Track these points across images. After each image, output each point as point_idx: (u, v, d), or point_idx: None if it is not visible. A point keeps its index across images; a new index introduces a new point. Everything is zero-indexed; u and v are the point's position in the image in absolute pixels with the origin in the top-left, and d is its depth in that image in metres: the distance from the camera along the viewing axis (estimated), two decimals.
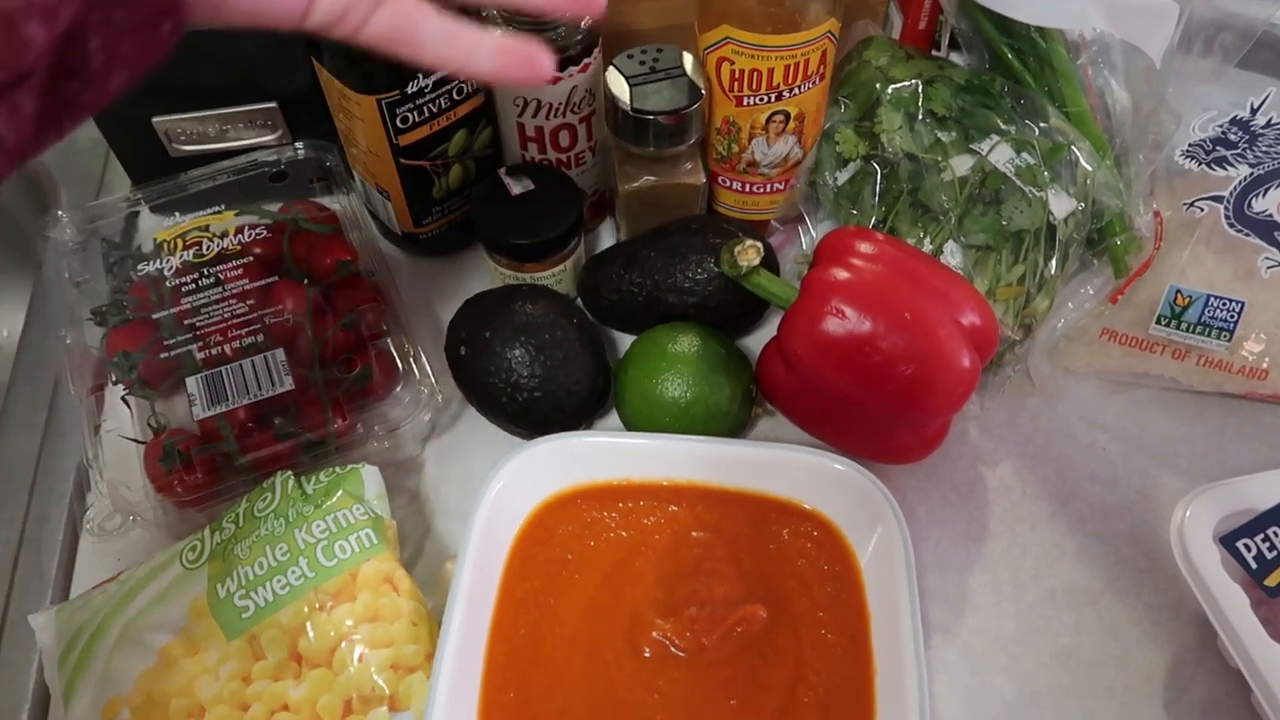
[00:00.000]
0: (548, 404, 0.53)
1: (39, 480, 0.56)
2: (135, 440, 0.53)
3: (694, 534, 0.49)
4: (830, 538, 0.49)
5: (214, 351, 0.54)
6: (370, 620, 0.44)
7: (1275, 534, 0.46)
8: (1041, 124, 0.58)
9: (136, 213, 0.64)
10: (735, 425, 0.54)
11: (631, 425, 0.54)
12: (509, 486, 0.48)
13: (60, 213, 0.60)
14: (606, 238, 0.67)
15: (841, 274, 0.49)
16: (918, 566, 0.50)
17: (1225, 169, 0.54)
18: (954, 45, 0.69)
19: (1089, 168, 0.56)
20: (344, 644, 0.44)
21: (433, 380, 0.55)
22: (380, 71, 0.52)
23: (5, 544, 0.54)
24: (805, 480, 0.49)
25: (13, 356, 0.63)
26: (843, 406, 0.50)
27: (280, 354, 0.53)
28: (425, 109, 0.55)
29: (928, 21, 0.71)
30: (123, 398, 0.55)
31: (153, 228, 0.64)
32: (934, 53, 0.73)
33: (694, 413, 0.52)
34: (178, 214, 0.61)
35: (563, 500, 0.50)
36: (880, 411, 0.49)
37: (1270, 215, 0.53)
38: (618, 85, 0.55)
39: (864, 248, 0.50)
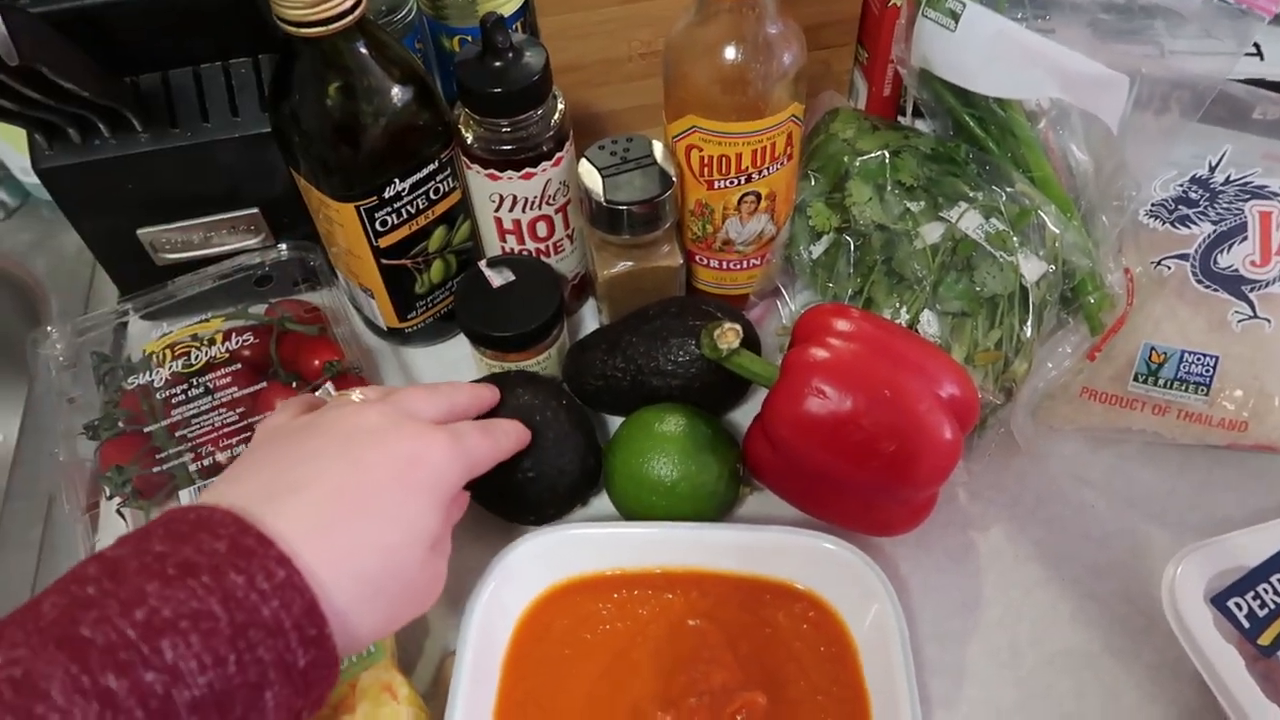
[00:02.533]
0: (541, 486, 0.53)
1: None
2: None
3: (690, 622, 0.49)
4: (825, 618, 0.49)
5: (206, 462, 0.54)
6: None
7: (1266, 590, 0.47)
8: (1008, 189, 0.59)
9: (125, 323, 0.65)
10: (723, 504, 0.54)
11: (620, 506, 0.55)
12: (502, 585, 0.48)
13: (50, 328, 0.61)
14: (590, 318, 0.68)
15: (820, 353, 0.50)
16: (915, 639, 0.50)
17: (1189, 227, 0.55)
18: (918, 113, 0.70)
19: (1056, 230, 0.57)
20: None
21: None
22: (357, 179, 0.54)
23: None
24: (797, 561, 0.50)
25: (7, 471, 0.63)
26: (829, 483, 0.51)
27: None
28: (403, 211, 0.56)
29: (892, 88, 0.73)
30: (118, 510, 0.56)
31: (142, 336, 0.65)
32: (900, 119, 0.74)
33: (680, 491, 0.52)
34: (165, 323, 0.62)
35: (557, 594, 0.50)
36: (866, 486, 0.50)
37: (1236, 270, 0.54)
38: (590, 178, 0.56)
39: (841, 325, 0.51)
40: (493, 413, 0.52)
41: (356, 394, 0.44)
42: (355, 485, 0.38)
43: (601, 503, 0.57)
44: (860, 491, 0.50)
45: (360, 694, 0.45)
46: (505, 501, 0.54)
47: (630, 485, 0.53)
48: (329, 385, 0.47)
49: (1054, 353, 0.59)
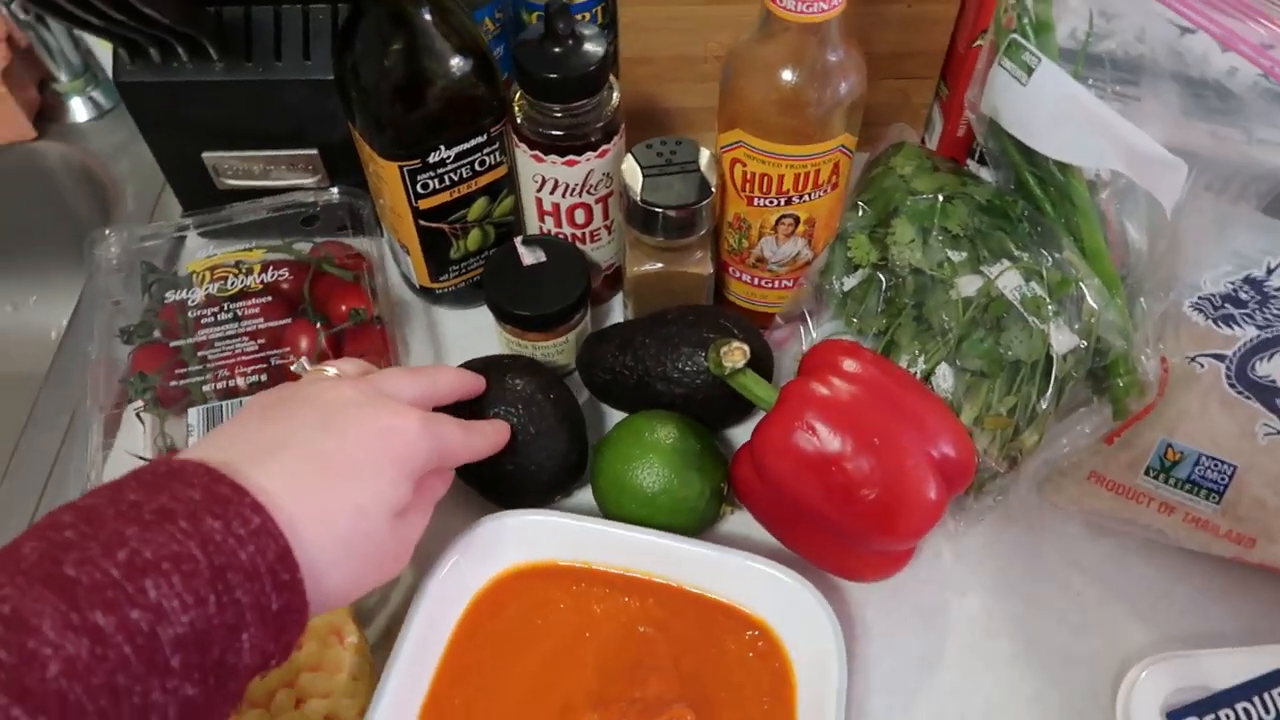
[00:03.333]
0: (519, 476, 0.54)
1: (50, 484, 0.60)
2: (141, 458, 0.57)
3: (640, 628, 0.50)
4: (772, 650, 0.49)
5: (221, 385, 0.57)
6: (312, 669, 0.46)
7: (1226, 717, 0.45)
8: (1055, 254, 0.57)
9: (182, 238, 0.68)
10: (701, 521, 0.54)
11: (600, 505, 0.56)
12: (465, 557, 0.50)
13: (108, 231, 0.64)
14: (617, 310, 0.69)
15: (820, 389, 0.49)
16: (864, 687, 0.50)
17: (1232, 328, 0.53)
18: (984, 160, 0.68)
19: (1095, 305, 0.55)
20: (283, 690, 0.46)
21: None
22: (405, 140, 0.55)
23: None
24: (755, 587, 0.50)
25: (52, 356, 0.67)
26: (808, 519, 0.50)
27: None
28: (446, 177, 0.57)
29: (967, 129, 0.71)
30: (137, 414, 0.59)
31: (195, 251, 0.68)
32: (969, 162, 0.73)
33: (660, 503, 0.53)
34: (215, 245, 0.65)
35: (517, 575, 0.51)
36: (843, 529, 0.49)
37: (1274, 381, 0.52)
38: (631, 175, 0.56)
39: (848, 365, 0.51)
40: (483, 396, 0.53)
41: (331, 369, 0.46)
42: (332, 451, 0.39)
43: (586, 494, 0.58)
44: (836, 533, 0.50)
45: (309, 633, 0.47)
46: (484, 486, 0.55)
47: (612, 488, 0.53)
48: (304, 360, 0.49)
49: (1072, 429, 0.57)
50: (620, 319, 0.68)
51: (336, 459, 0.39)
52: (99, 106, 0.82)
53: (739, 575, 0.50)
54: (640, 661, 0.49)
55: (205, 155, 0.64)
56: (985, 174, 0.68)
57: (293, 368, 0.48)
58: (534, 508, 0.56)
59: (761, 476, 0.51)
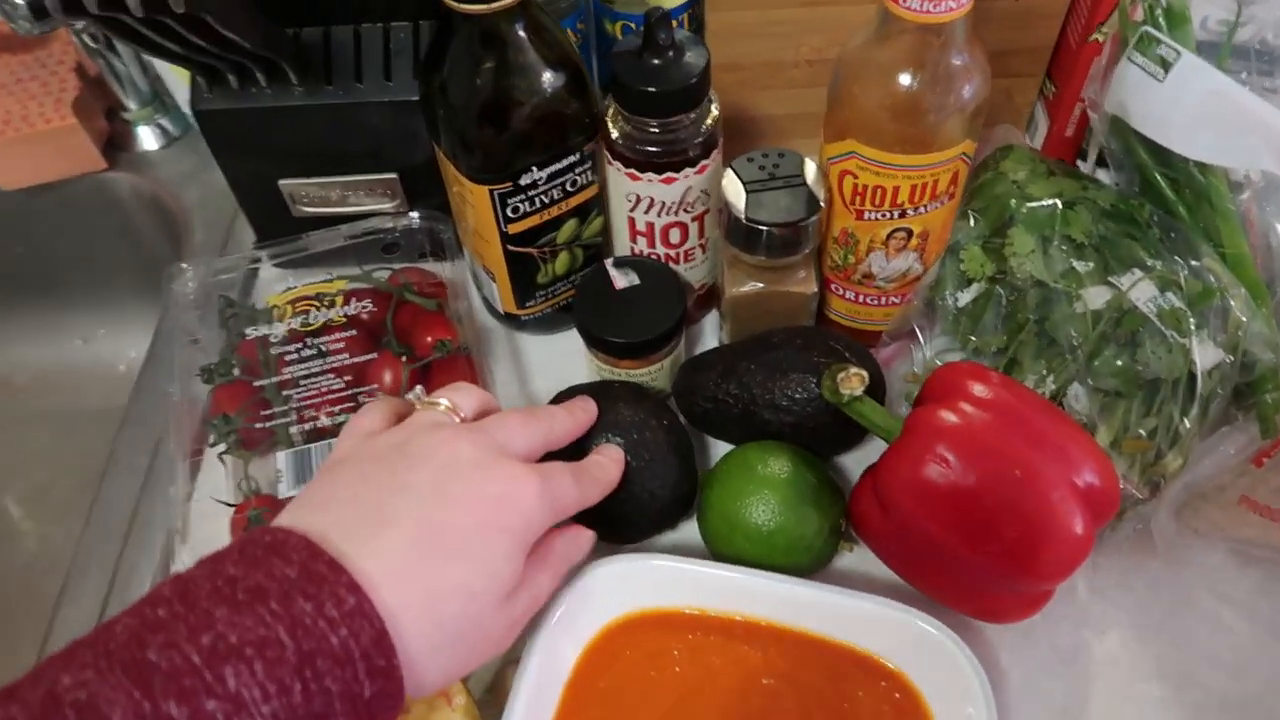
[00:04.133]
0: (630, 506, 0.51)
1: (134, 529, 0.58)
2: (225, 503, 0.55)
3: (764, 680, 0.46)
4: (911, 704, 0.45)
5: (308, 426, 0.54)
6: None
7: None
8: (1192, 262, 0.53)
9: (256, 269, 0.66)
10: (819, 559, 0.51)
11: (710, 543, 0.52)
12: (574, 606, 0.47)
13: (185, 265, 0.62)
14: (710, 331, 0.65)
15: (950, 417, 0.46)
16: None
17: None
18: (1101, 161, 0.64)
19: (1243, 317, 0.51)
20: None
21: None
22: (496, 162, 0.52)
23: (97, 589, 0.56)
24: (891, 636, 0.46)
25: (128, 394, 0.65)
26: (939, 557, 0.47)
27: None
28: (537, 200, 0.55)
29: (1076, 130, 0.67)
30: (220, 455, 0.56)
31: (270, 283, 0.66)
32: (1079, 163, 0.68)
33: (775, 542, 0.49)
34: (293, 275, 0.62)
35: (630, 623, 0.48)
36: (979, 569, 0.46)
37: None
38: (733, 191, 0.53)
39: (978, 390, 0.47)
40: (592, 425, 0.50)
41: (444, 402, 0.43)
42: (442, 525, 0.37)
43: (691, 529, 0.55)
44: (971, 573, 0.46)
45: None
46: (590, 518, 0.52)
47: (723, 526, 0.50)
48: (419, 389, 0.46)
49: (1214, 450, 0.53)
50: (714, 341, 0.65)
51: (447, 534, 0.37)
52: (168, 134, 0.81)
53: (870, 621, 0.47)
54: (765, 717, 0.45)
55: (282, 182, 0.62)
56: (1102, 176, 0.64)
57: (408, 396, 0.45)
58: (640, 540, 0.53)
59: (887, 512, 0.47)
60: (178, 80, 0.76)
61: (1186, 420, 0.51)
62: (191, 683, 0.29)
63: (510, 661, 0.50)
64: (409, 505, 0.37)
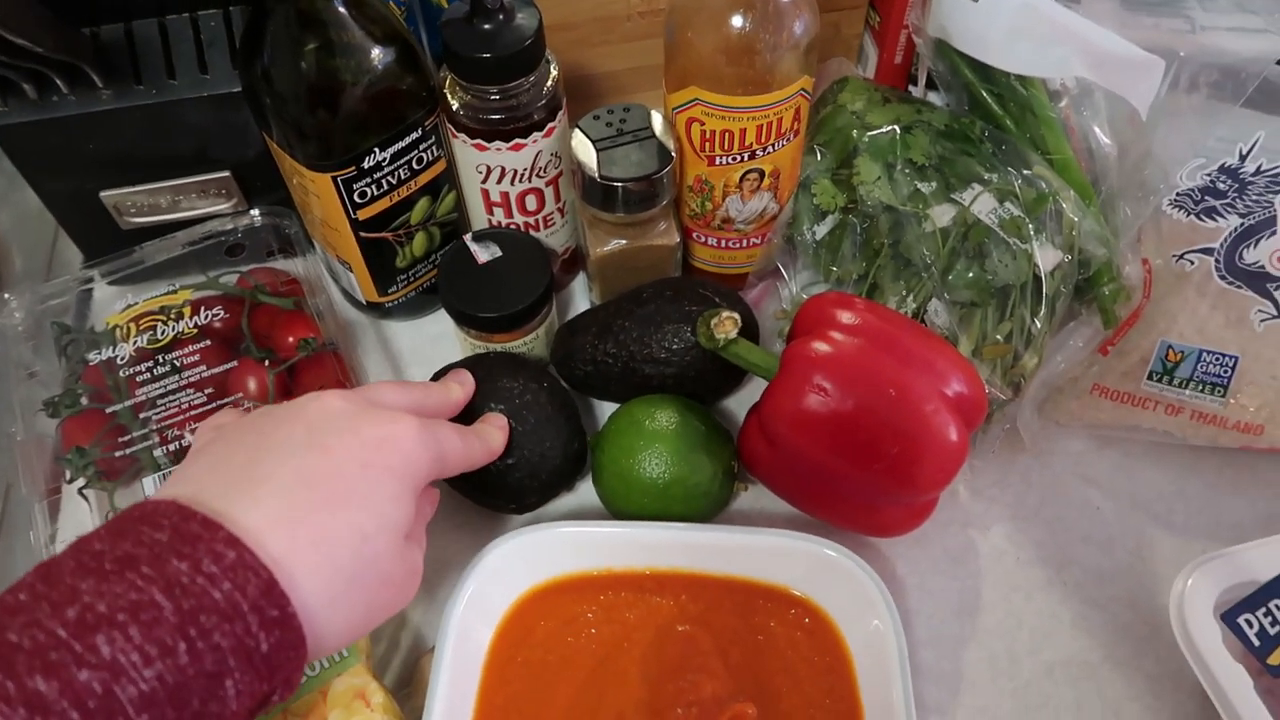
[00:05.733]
0: (522, 473, 0.51)
1: None
2: None
3: (679, 627, 0.47)
4: (821, 626, 0.47)
5: (173, 446, 0.51)
6: None
7: (1277, 608, 0.45)
8: (1024, 171, 0.56)
9: (90, 290, 0.62)
10: (716, 504, 0.52)
11: (608, 503, 0.53)
12: (483, 584, 0.46)
13: (8, 295, 0.57)
14: (579, 294, 0.65)
15: (822, 347, 0.47)
16: (910, 644, 0.48)
17: (1215, 219, 0.52)
18: (931, 84, 0.66)
19: (1074, 218, 0.54)
20: None
21: None
22: (335, 147, 0.50)
23: None
24: (794, 566, 0.48)
25: None
26: (828, 482, 0.48)
27: None
28: (384, 182, 0.53)
29: (904, 56, 0.69)
30: (80, 491, 0.53)
31: (107, 304, 0.61)
32: (910, 88, 0.71)
33: (673, 493, 0.50)
34: (131, 292, 0.59)
35: (540, 594, 0.48)
36: (867, 488, 0.47)
37: (1262, 267, 0.52)
38: (584, 151, 0.52)
39: (845, 318, 0.48)
40: (470, 401, 0.49)
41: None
42: (323, 473, 0.35)
43: (587, 489, 0.55)
44: (860, 492, 0.48)
45: (332, 701, 0.43)
46: (484, 490, 0.51)
47: (619, 484, 0.50)
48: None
49: (1064, 345, 0.56)
50: (585, 303, 0.64)
51: (329, 479, 0.35)
52: None
53: (773, 554, 0.48)
54: (686, 662, 0.46)
55: (104, 194, 0.58)
56: (933, 99, 0.67)
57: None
58: (538, 507, 0.53)
59: (775, 446, 0.49)
60: None
61: (1037, 321, 0.54)
62: (59, 656, 0.27)
63: (425, 651, 0.49)
64: (284, 458, 0.35)
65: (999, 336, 0.54)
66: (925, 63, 0.62)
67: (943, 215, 0.56)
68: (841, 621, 0.47)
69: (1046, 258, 0.54)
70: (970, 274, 0.54)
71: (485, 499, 0.53)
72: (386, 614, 0.38)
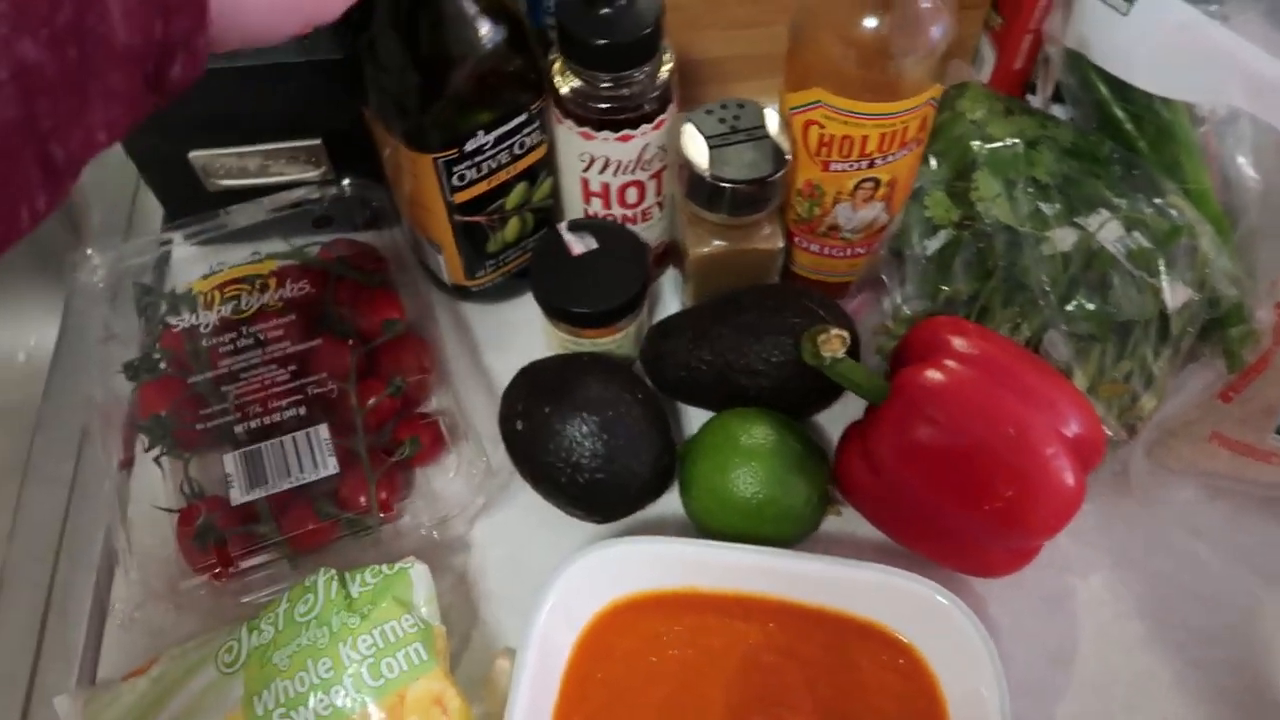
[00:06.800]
0: (610, 486, 0.49)
1: (65, 543, 0.53)
2: (168, 510, 0.50)
3: (766, 657, 0.45)
4: (917, 671, 0.45)
5: (253, 424, 0.50)
6: None
7: None
8: (1155, 200, 0.53)
9: (169, 252, 0.60)
10: (807, 528, 0.50)
11: (695, 516, 0.51)
12: (565, 597, 0.44)
13: (90, 251, 0.56)
14: (668, 290, 0.63)
15: (937, 376, 0.45)
16: None
17: None
18: (1057, 96, 0.63)
19: (1210, 254, 0.51)
20: None
21: (487, 456, 0.51)
22: (438, 128, 0.48)
23: (30, 611, 0.51)
24: (896, 606, 0.45)
25: (38, 396, 0.59)
26: (932, 518, 0.46)
27: (323, 430, 0.50)
28: (485, 165, 0.51)
29: (1025, 61, 0.65)
30: (155, 459, 0.52)
31: (187, 265, 0.60)
32: (1029, 97, 0.67)
33: (765, 514, 0.48)
34: (212, 256, 0.57)
35: (623, 608, 0.46)
36: (974, 527, 0.45)
37: None
38: (695, 148, 0.50)
39: (960, 345, 0.46)
40: (560, 401, 0.47)
41: None
42: None
43: (671, 499, 0.53)
44: (965, 531, 0.46)
45: (409, 707, 0.41)
46: (569, 500, 0.49)
47: (710, 501, 0.48)
48: None
49: (1183, 387, 0.53)
50: (673, 300, 0.62)
51: None
52: None
53: (874, 591, 0.46)
54: (771, 694, 0.44)
55: (192, 155, 0.56)
56: (1057, 111, 0.63)
57: None
58: (627, 516, 0.51)
59: (877, 475, 0.46)
60: None
61: (1160, 361, 0.51)
62: None
63: (497, 652, 0.48)
64: None
65: (1117, 375, 0.51)
66: (1054, 73, 0.58)
67: (1064, 239, 0.53)
68: (941, 671, 0.44)
69: (1176, 295, 0.51)
70: (1091, 305, 0.51)
71: (570, 507, 0.51)
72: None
